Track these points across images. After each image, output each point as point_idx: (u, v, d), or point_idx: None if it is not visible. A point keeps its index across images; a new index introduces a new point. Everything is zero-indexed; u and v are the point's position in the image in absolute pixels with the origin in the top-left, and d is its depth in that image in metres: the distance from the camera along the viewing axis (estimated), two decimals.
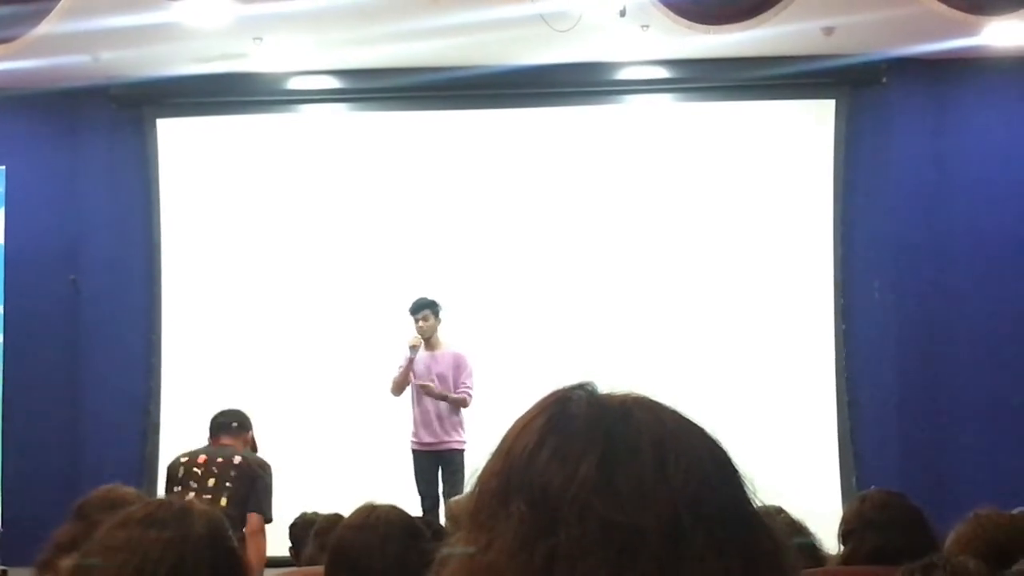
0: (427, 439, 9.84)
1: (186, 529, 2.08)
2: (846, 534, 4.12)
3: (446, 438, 9.82)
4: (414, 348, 9.86)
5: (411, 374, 9.90)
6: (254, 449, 7.73)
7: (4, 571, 9.29)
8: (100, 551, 2.09)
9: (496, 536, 1.21)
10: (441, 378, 9.88)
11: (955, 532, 3.91)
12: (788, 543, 1.26)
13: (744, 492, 1.25)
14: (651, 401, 1.28)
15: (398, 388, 9.95)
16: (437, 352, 9.95)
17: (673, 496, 1.19)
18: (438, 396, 9.79)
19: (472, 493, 1.27)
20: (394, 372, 9.95)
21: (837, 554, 4.20)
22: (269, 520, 7.30)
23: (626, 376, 1.31)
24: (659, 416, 1.25)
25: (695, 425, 1.27)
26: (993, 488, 10.25)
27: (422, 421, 9.89)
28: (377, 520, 3.56)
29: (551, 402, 1.28)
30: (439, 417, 9.86)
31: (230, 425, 7.62)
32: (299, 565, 5.96)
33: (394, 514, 3.64)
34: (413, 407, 9.95)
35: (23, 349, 10.96)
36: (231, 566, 2.13)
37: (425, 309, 9.93)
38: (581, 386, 1.29)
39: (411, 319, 9.95)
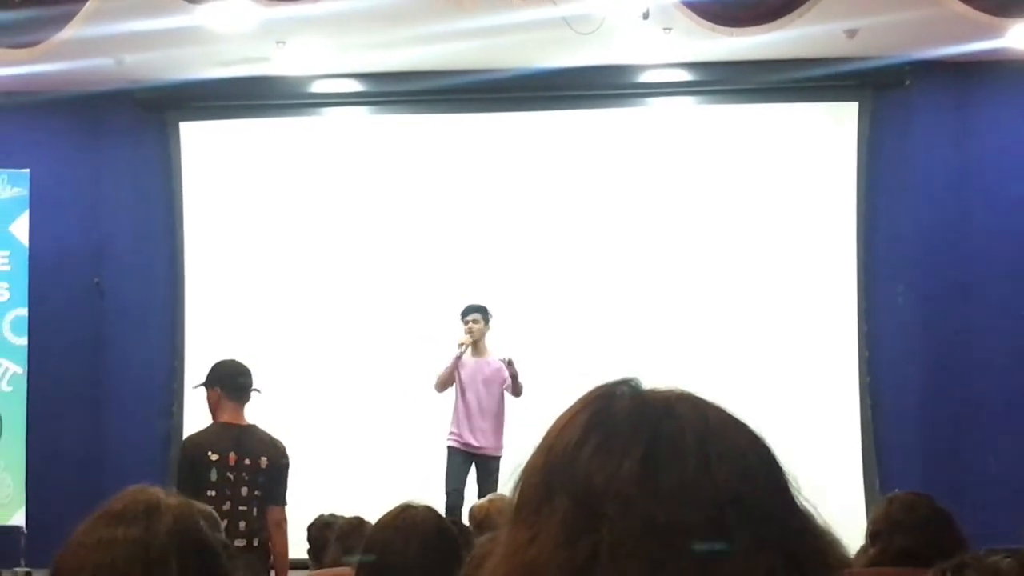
0: (472, 442, 9.88)
1: (153, 526, 2.06)
2: (874, 535, 4.11)
3: (490, 444, 9.89)
4: (461, 346, 9.92)
5: (456, 375, 9.95)
6: None
7: (29, 572, 9.33)
8: (75, 548, 2.09)
9: (539, 532, 1.20)
10: (487, 383, 9.96)
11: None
12: (832, 541, 1.25)
13: (789, 489, 1.24)
14: (695, 397, 1.28)
15: (442, 385, 10.01)
16: (484, 358, 10.02)
17: (716, 493, 1.18)
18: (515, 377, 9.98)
19: (515, 489, 1.27)
20: (439, 369, 9.98)
21: (861, 554, 4.19)
22: (285, 503, 7.10)
23: (650, 378, 1.31)
24: (703, 412, 1.25)
25: (740, 421, 1.27)
26: (1016, 490, 10.24)
27: (468, 424, 9.91)
28: (409, 521, 3.56)
29: (594, 398, 1.27)
30: (487, 421, 9.92)
31: (251, 391, 7.23)
32: (320, 567, 5.99)
33: (427, 515, 3.64)
34: (458, 406, 9.96)
35: (47, 351, 10.99)
36: (202, 562, 2.10)
37: (475, 312, 10.01)
38: (625, 382, 1.29)
39: (461, 322, 10.01)
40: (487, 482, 9.73)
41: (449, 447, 9.94)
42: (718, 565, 1.16)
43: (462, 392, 9.95)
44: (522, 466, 1.27)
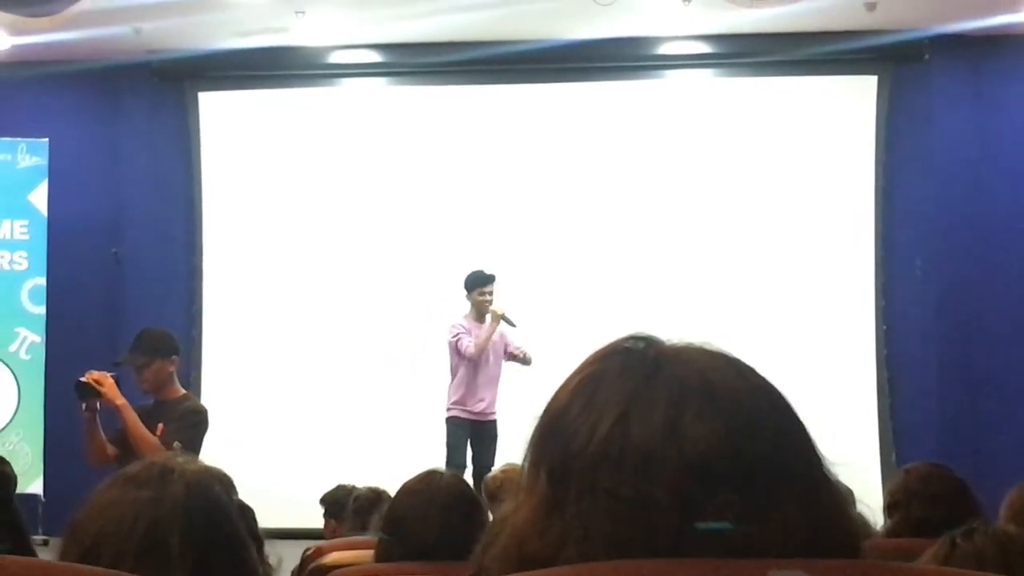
0: (474, 408, 9.73)
1: (163, 489, 2.07)
2: (891, 506, 4.11)
3: (492, 409, 9.74)
4: (503, 317, 9.75)
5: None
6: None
7: (46, 540, 9.36)
8: (88, 509, 2.10)
9: (522, 503, 1.19)
10: (494, 349, 9.82)
11: (1008, 498, 3.90)
12: (847, 497, 1.20)
13: (802, 450, 1.18)
14: (699, 352, 1.23)
15: (479, 351, 9.76)
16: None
17: (682, 457, 1.12)
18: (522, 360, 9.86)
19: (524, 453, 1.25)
20: (476, 337, 9.71)
21: (881, 527, 4.19)
22: None
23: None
24: (701, 368, 1.20)
25: (746, 376, 1.22)
26: None
27: (473, 391, 9.75)
28: (434, 486, 3.56)
29: (593, 359, 1.24)
30: (490, 388, 9.78)
31: None
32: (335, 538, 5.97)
33: (452, 481, 3.64)
34: (461, 373, 9.79)
35: (66, 320, 11.01)
36: (211, 527, 2.09)
37: (492, 283, 9.83)
38: (631, 338, 1.26)
39: (469, 291, 9.83)
40: (487, 446, 9.62)
41: (450, 418, 9.78)
42: (691, 538, 1.09)
43: (472, 360, 9.75)
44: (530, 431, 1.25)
